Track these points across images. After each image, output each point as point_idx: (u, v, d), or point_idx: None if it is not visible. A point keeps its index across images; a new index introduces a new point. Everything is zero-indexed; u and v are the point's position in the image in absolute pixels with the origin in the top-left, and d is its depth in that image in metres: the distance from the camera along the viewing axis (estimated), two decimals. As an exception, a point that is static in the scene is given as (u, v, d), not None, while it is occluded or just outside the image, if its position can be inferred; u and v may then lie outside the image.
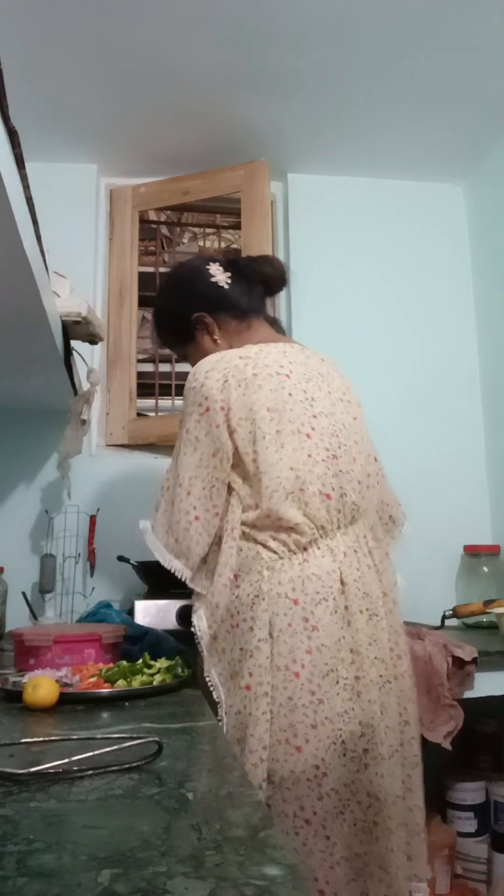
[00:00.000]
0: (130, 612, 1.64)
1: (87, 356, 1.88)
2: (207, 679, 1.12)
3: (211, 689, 1.11)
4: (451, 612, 1.90)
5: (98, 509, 2.03)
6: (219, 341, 1.32)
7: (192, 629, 1.15)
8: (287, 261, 2.35)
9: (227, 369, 1.17)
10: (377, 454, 1.33)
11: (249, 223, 2.22)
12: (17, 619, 1.82)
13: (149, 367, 2.46)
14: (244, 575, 1.11)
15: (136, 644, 1.38)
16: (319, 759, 1.01)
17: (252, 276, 1.36)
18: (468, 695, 1.54)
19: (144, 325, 2.39)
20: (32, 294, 1.12)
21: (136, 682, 1.08)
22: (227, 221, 2.62)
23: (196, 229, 2.80)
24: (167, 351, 1.60)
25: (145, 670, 1.13)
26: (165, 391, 2.43)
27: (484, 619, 1.90)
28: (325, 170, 2.38)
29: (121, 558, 1.82)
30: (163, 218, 2.65)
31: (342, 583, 1.10)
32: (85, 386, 1.88)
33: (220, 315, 1.32)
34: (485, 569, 2.10)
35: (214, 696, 1.10)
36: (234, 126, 2.13)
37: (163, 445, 2.11)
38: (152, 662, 1.16)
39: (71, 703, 1.01)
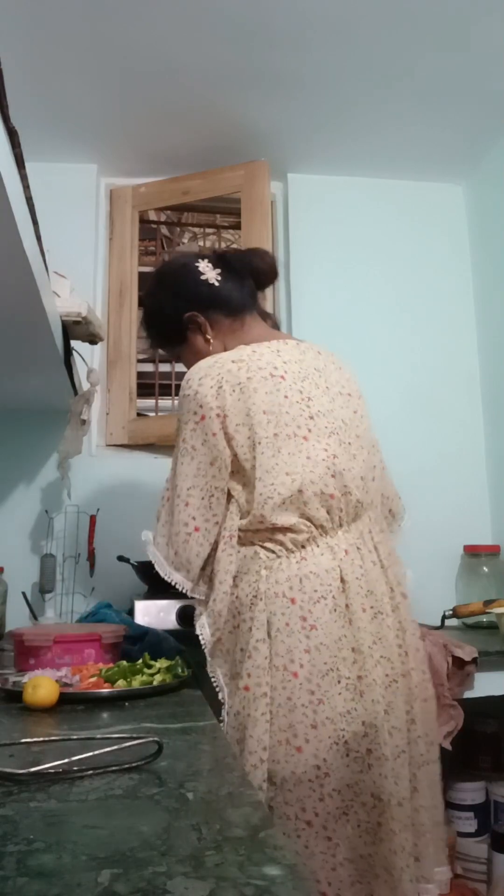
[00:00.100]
0: (130, 612, 1.64)
1: (87, 356, 1.88)
2: (213, 680, 1.12)
3: (217, 690, 1.11)
4: (451, 612, 1.90)
5: (98, 509, 2.03)
6: (212, 341, 1.29)
7: (199, 636, 1.14)
8: (287, 261, 2.35)
9: (220, 374, 1.15)
10: (379, 446, 1.31)
11: (249, 223, 2.22)
12: (17, 619, 1.82)
13: (149, 367, 2.46)
14: (243, 575, 1.11)
15: (136, 644, 1.38)
16: (321, 759, 1.00)
17: (242, 270, 1.32)
18: (468, 695, 1.54)
19: (145, 330, 2.39)
20: (32, 294, 1.12)
21: (136, 682, 1.08)
22: (227, 221, 2.61)
23: (196, 229, 2.80)
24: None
25: (145, 670, 1.13)
26: (165, 391, 2.43)
27: (484, 619, 1.90)
28: (325, 170, 2.38)
29: (121, 558, 1.82)
30: (163, 218, 2.66)
31: (342, 581, 1.09)
32: (85, 386, 1.88)
33: (213, 314, 1.29)
34: (485, 569, 2.10)
35: (220, 698, 1.10)
36: (234, 126, 2.13)
37: (163, 445, 2.11)
38: (152, 662, 1.16)
39: (71, 703, 1.01)
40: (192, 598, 1.17)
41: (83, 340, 1.71)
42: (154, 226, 2.63)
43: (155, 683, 1.09)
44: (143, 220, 2.41)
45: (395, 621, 1.14)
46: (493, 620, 1.82)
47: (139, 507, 1.89)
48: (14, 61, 1.06)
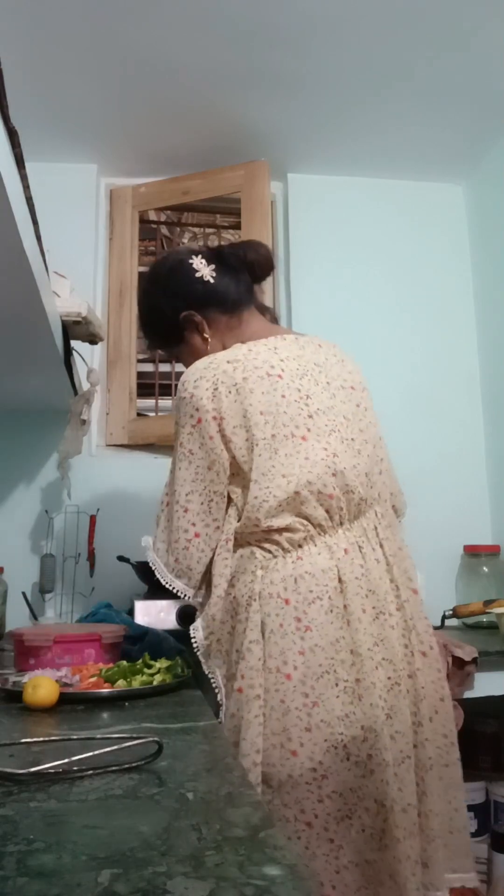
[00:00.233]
0: (130, 612, 1.64)
1: (87, 356, 1.88)
2: (212, 681, 1.11)
3: (216, 691, 1.10)
4: (451, 612, 1.91)
5: (98, 509, 2.03)
6: (210, 339, 1.27)
7: (192, 641, 1.13)
8: (287, 261, 2.35)
9: (216, 376, 1.13)
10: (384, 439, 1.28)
11: (249, 223, 2.22)
12: (17, 619, 1.82)
13: (149, 367, 2.46)
14: (239, 575, 1.10)
15: (136, 644, 1.38)
16: (316, 762, 0.98)
17: (237, 264, 1.29)
18: (468, 695, 1.54)
19: (142, 331, 2.39)
20: (32, 294, 1.12)
21: (136, 682, 1.08)
22: (227, 221, 2.62)
23: (196, 229, 2.80)
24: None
25: (145, 670, 1.12)
26: (165, 391, 2.43)
27: (484, 619, 1.90)
28: (325, 170, 2.38)
29: (121, 558, 1.82)
30: (163, 218, 2.66)
31: (340, 581, 1.06)
32: (85, 386, 1.88)
33: (209, 311, 1.26)
34: (485, 569, 2.10)
35: (218, 699, 1.09)
36: (234, 126, 2.13)
37: (163, 445, 2.11)
38: (152, 662, 1.15)
39: (71, 703, 1.01)
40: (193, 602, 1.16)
41: (83, 340, 1.71)
42: (154, 226, 2.63)
43: (155, 683, 1.09)
44: (143, 220, 2.41)
45: (401, 620, 1.11)
46: (493, 620, 1.82)
47: (139, 508, 1.89)
48: (14, 61, 1.06)
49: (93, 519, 2.02)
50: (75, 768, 0.68)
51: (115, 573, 1.94)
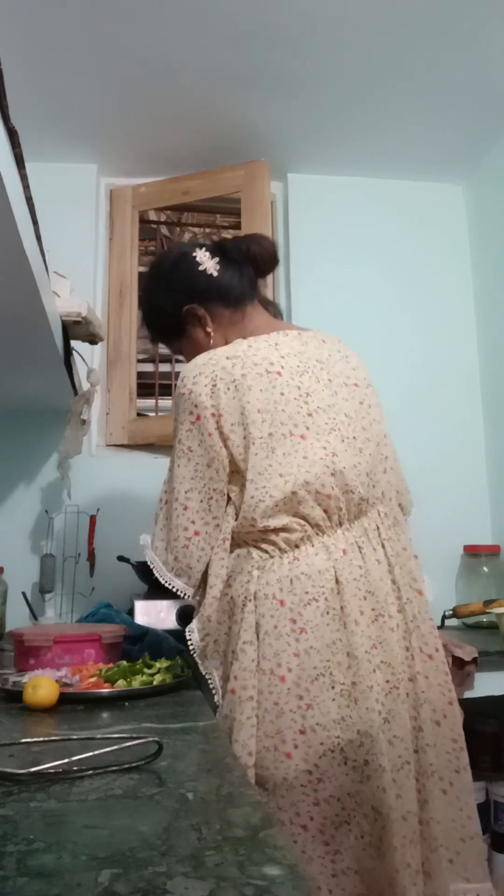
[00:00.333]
0: (130, 612, 1.64)
1: (87, 356, 1.88)
2: (209, 682, 1.10)
3: (213, 692, 1.09)
4: (451, 612, 1.91)
5: (98, 509, 2.03)
6: (213, 334, 1.24)
7: (188, 640, 1.12)
8: (287, 261, 2.35)
9: (214, 372, 1.11)
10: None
11: (249, 223, 2.22)
12: (17, 619, 1.83)
13: (149, 367, 2.47)
14: (236, 576, 1.08)
15: (136, 644, 1.38)
16: (311, 765, 0.96)
17: (241, 258, 1.26)
18: (468, 695, 1.53)
19: (144, 324, 2.39)
20: (32, 294, 1.12)
21: (136, 682, 1.08)
22: (227, 221, 2.62)
23: (196, 229, 2.80)
24: (167, 350, 1.57)
25: (145, 670, 1.12)
26: (165, 391, 2.44)
27: (484, 619, 1.90)
28: (325, 170, 2.38)
29: (121, 558, 1.82)
30: (163, 218, 2.66)
31: (337, 582, 1.04)
32: (85, 386, 1.88)
33: (212, 305, 1.24)
34: (485, 569, 2.10)
35: (215, 700, 1.08)
36: (234, 126, 2.13)
37: (163, 445, 2.10)
38: (152, 662, 1.15)
39: (71, 703, 1.01)
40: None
41: (83, 340, 1.71)
42: (154, 226, 2.63)
43: (155, 683, 1.09)
44: (143, 220, 2.41)
45: (402, 622, 1.09)
46: (493, 620, 1.82)
47: (139, 508, 1.90)
48: (14, 61, 1.07)
49: (93, 519, 2.02)
50: (75, 768, 0.68)
51: (115, 573, 1.94)
